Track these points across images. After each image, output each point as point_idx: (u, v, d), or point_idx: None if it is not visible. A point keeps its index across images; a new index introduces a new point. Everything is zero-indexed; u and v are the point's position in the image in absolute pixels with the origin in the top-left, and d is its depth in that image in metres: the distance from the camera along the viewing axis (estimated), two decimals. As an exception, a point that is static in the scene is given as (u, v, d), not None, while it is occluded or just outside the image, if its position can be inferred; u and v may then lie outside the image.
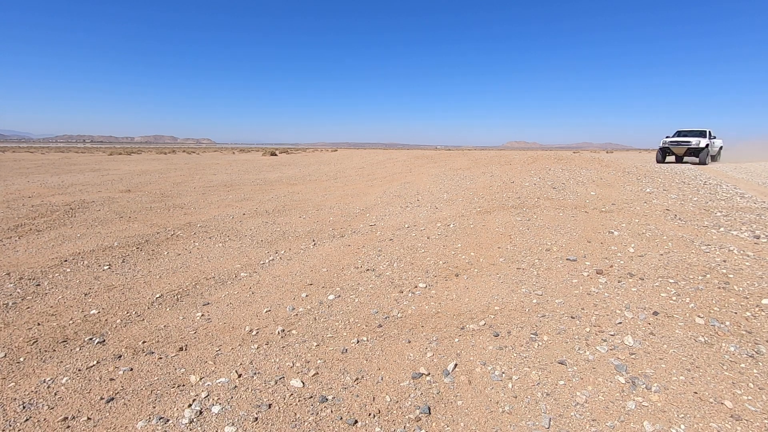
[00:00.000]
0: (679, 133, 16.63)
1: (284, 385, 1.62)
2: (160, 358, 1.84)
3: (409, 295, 2.44)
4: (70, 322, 2.20)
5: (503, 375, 1.64)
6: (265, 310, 2.32)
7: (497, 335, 1.92)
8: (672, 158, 16.14)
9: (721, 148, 17.65)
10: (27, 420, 1.44)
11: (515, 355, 1.77)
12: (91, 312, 2.32)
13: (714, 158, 17.60)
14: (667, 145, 15.58)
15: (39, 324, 2.17)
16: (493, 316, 2.10)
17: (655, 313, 1.99)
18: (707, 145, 14.87)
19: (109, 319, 2.23)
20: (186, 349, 1.91)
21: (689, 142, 15.03)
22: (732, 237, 3.08)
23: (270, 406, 1.49)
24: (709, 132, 16.12)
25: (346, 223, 4.29)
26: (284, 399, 1.53)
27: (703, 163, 14.70)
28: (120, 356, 1.86)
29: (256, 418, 1.43)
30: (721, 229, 3.29)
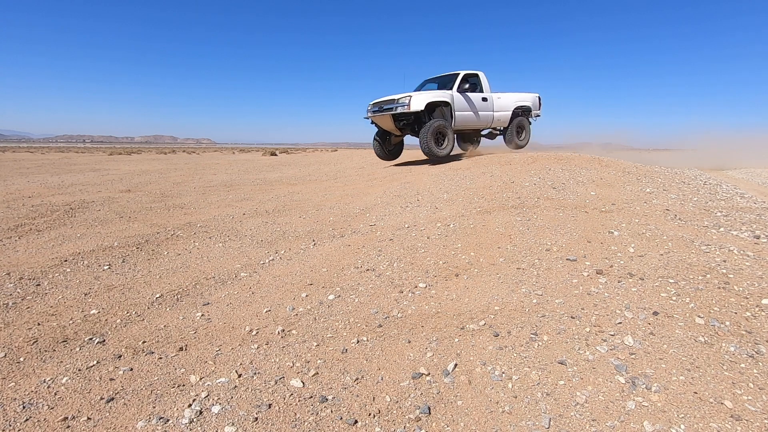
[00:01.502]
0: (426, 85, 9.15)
1: (284, 385, 1.62)
2: (160, 358, 1.85)
3: (409, 295, 2.44)
4: (70, 322, 2.20)
5: (503, 375, 1.64)
6: (265, 310, 2.32)
7: (497, 335, 1.92)
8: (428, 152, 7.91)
9: (517, 117, 9.24)
10: (27, 420, 1.44)
11: (515, 355, 1.77)
12: (91, 312, 2.32)
13: (492, 136, 9.80)
14: (369, 117, 8.42)
15: (39, 324, 2.17)
16: (493, 316, 2.10)
17: (655, 313, 1.99)
18: (428, 108, 7.59)
19: (109, 319, 2.23)
20: (186, 349, 1.91)
21: (394, 103, 7.66)
22: (732, 237, 3.08)
23: (270, 406, 1.49)
24: (471, 78, 8.46)
25: (346, 223, 4.29)
26: (284, 399, 1.54)
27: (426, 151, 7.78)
28: (120, 356, 1.86)
29: (256, 418, 1.43)
30: (721, 229, 3.29)
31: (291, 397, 1.54)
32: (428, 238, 3.44)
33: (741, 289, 2.18)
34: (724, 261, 2.55)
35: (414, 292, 2.47)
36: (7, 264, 3.10)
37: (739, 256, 2.62)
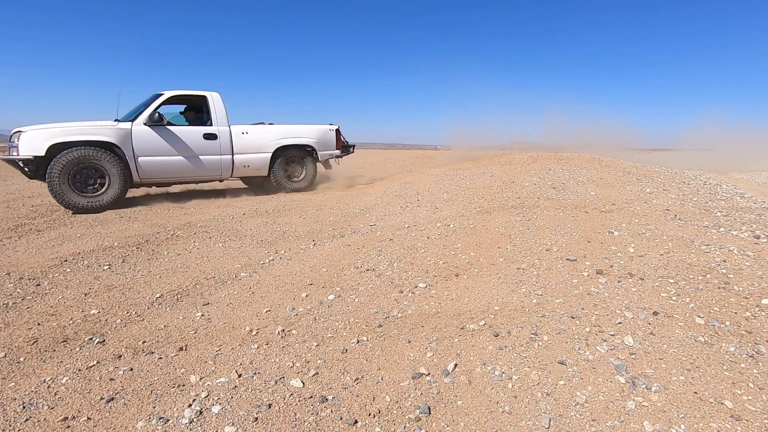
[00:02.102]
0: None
1: (284, 385, 1.62)
2: (160, 358, 1.85)
3: (409, 295, 2.44)
4: (70, 322, 2.20)
5: (503, 375, 1.64)
6: (265, 310, 2.32)
7: (497, 335, 1.92)
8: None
9: (289, 161, 6.70)
10: (27, 420, 1.44)
11: (515, 355, 1.77)
12: (91, 312, 2.32)
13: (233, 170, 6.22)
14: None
15: (39, 324, 2.17)
16: (493, 316, 2.10)
17: (655, 313, 2.00)
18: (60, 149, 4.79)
19: (109, 319, 2.23)
20: (186, 349, 1.91)
21: (8, 141, 5.13)
22: (732, 237, 3.08)
23: (270, 406, 1.49)
24: (192, 103, 6.37)
25: (346, 223, 4.29)
26: (284, 399, 1.54)
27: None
28: (120, 356, 1.86)
29: (256, 418, 1.43)
30: (721, 229, 3.29)
31: (291, 397, 1.54)
32: (428, 238, 3.44)
33: (741, 289, 2.18)
34: (724, 261, 2.55)
35: (414, 292, 2.47)
36: (7, 264, 3.10)
37: (739, 256, 2.62)
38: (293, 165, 6.87)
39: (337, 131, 7.16)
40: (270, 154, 6.48)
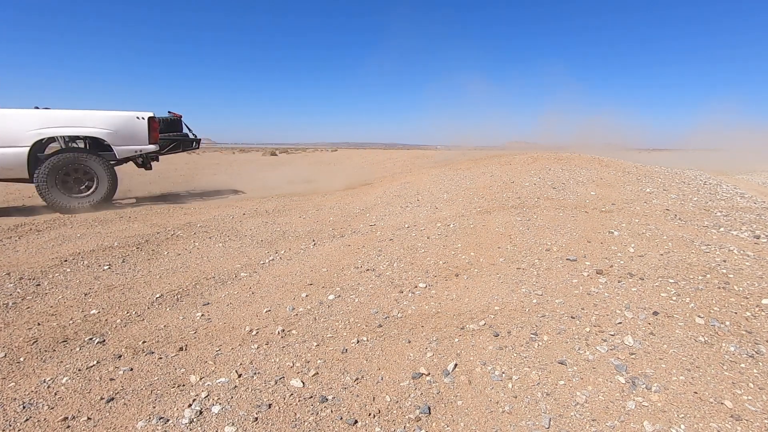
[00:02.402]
0: None
1: (284, 385, 1.62)
2: (160, 358, 1.85)
3: (409, 295, 2.44)
4: (70, 322, 2.20)
5: (503, 375, 1.64)
6: (265, 310, 2.32)
7: (497, 335, 1.92)
8: None
9: (64, 159, 4.82)
10: (27, 420, 1.44)
11: (515, 355, 1.77)
12: (91, 312, 2.32)
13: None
14: None
15: (39, 324, 2.17)
16: (493, 316, 2.10)
17: (655, 313, 2.00)
18: None
19: (109, 319, 2.23)
20: (186, 349, 1.91)
21: None
22: (732, 237, 3.08)
23: (270, 406, 1.49)
24: None
25: (346, 223, 4.29)
26: (284, 399, 1.54)
27: None
28: (120, 356, 1.86)
29: (256, 418, 1.43)
30: (721, 229, 3.29)
31: (291, 397, 1.54)
32: (428, 238, 3.44)
33: (741, 289, 2.18)
34: (724, 261, 2.55)
35: (414, 292, 2.47)
36: (7, 264, 3.10)
37: (739, 256, 2.62)
38: (76, 169, 5.01)
39: (152, 119, 5.32)
40: (26, 150, 4.62)
